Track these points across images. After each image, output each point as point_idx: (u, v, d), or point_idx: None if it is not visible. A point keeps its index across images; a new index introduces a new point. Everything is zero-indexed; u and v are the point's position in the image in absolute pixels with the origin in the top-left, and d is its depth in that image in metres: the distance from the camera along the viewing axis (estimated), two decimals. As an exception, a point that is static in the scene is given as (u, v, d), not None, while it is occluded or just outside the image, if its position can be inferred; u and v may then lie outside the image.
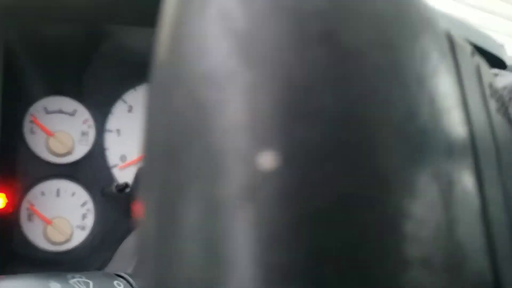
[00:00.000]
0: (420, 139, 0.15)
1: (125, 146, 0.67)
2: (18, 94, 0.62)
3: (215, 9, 0.14)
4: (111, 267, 0.60)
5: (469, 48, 0.20)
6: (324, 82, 0.13)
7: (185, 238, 0.14)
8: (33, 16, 0.54)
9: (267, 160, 0.13)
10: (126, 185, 0.62)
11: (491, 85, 0.21)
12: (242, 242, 0.13)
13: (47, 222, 0.61)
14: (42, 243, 0.61)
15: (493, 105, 0.21)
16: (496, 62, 0.66)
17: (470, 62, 0.20)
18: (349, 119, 0.14)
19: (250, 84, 0.13)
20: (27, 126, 0.62)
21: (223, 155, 0.14)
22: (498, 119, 0.21)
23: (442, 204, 0.15)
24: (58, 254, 0.61)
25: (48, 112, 0.64)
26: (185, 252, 0.14)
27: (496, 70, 0.31)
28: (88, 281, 0.34)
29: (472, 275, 0.16)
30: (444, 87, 0.17)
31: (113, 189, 0.63)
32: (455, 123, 0.17)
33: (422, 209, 0.15)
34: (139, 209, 0.16)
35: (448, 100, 0.17)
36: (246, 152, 0.13)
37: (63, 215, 0.62)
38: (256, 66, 0.13)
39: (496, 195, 0.18)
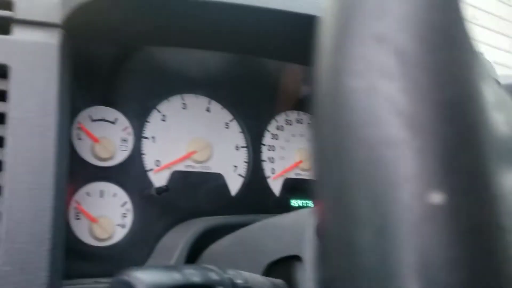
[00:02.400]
0: None
1: (159, 151, 0.74)
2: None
3: (383, 98, 0.22)
4: (152, 262, 0.67)
5: None
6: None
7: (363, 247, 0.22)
8: (88, 37, 0.60)
9: (433, 200, 0.20)
10: (165, 188, 0.69)
11: None
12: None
13: (93, 220, 0.67)
14: (88, 239, 0.67)
15: None
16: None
17: None
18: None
19: (416, 149, 0.21)
20: (75, 132, 0.68)
21: (392, 199, 0.21)
22: None
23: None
24: (102, 249, 0.67)
25: (93, 120, 0.70)
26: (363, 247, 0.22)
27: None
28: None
29: None
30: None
31: (153, 191, 0.69)
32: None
33: None
34: (320, 212, 0.24)
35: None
36: (413, 197, 0.21)
37: (106, 214, 0.68)
38: (419, 137, 0.21)
39: None
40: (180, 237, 0.66)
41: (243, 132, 0.81)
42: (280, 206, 0.81)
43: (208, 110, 0.79)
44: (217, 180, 0.77)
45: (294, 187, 0.83)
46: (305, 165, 0.84)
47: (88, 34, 0.57)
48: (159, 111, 0.75)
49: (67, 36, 0.53)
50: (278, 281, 0.45)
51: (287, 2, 0.58)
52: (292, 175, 0.84)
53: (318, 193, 0.24)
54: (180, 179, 0.74)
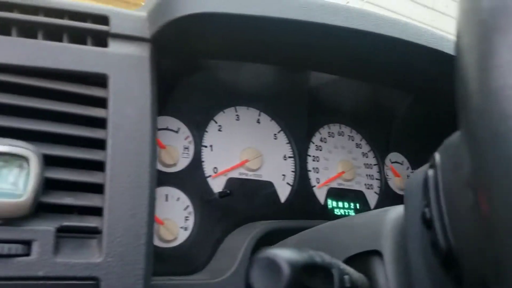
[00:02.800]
0: None
1: (216, 159, 0.78)
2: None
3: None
4: (215, 263, 0.71)
5: None
6: None
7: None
8: (173, 52, 0.65)
9: None
10: (228, 193, 0.73)
11: None
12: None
13: (160, 222, 0.71)
14: (155, 241, 0.71)
15: None
16: None
17: None
18: None
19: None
20: (142, 140, 0.73)
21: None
22: None
23: None
24: (167, 250, 0.72)
25: (158, 129, 0.75)
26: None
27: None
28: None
29: None
30: None
31: (216, 195, 0.74)
32: None
33: None
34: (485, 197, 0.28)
35: None
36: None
37: (170, 217, 0.73)
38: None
39: None
40: (242, 239, 0.70)
41: (290, 143, 0.86)
42: (325, 213, 0.86)
43: (258, 121, 0.84)
44: (268, 188, 0.82)
45: (338, 195, 0.88)
46: (347, 175, 0.89)
47: (174, 49, 0.62)
48: (216, 122, 0.80)
49: (154, 49, 0.58)
50: (358, 274, 0.49)
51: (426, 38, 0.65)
52: (335, 184, 0.88)
53: (482, 180, 0.29)
54: (235, 185, 0.79)
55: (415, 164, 0.98)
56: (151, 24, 0.58)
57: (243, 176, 0.80)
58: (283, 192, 0.83)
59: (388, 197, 0.92)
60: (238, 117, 0.82)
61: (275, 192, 0.82)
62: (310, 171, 0.87)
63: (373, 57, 0.72)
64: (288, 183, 0.84)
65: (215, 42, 0.62)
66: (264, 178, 0.82)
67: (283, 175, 0.84)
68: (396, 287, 0.46)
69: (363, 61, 0.74)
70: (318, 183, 0.87)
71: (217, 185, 0.77)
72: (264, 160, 0.82)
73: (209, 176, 0.77)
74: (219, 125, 0.80)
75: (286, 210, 0.82)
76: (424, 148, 0.94)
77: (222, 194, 0.73)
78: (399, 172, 0.95)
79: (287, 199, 0.83)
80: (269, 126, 0.85)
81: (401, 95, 0.93)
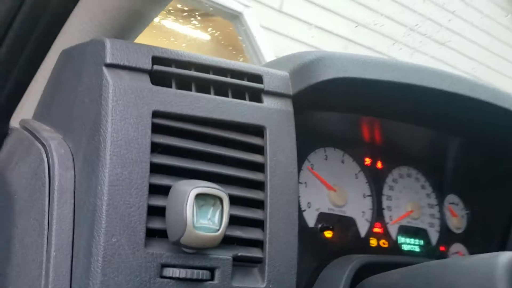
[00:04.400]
0: None
1: (309, 194, 0.88)
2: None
3: None
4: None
5: None
6: None
7: None
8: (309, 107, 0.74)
9: None
10: (330, 227, 0.83)
11: None
12: None
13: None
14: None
15: None
16: None
17: None
18: None
19: None
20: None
21: None
22: None
23: None
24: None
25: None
26: None
27: None
28: None
29: None
30: None
31: (318, 229, 0.83)
32: None
33: None
34: None
35: None
36: None
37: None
38: None
39: None
40: (341, 271, 0.79)
41: (368, 182, 0.95)
42: (395, 248, 0.95)
43: (342, 161, 0.93)
44: (350, 223, 0.91)
45: (407, 232, 0.97)
46: (415, 214, 0.99)
47: (309, 104, 0.72)
48: (309, 161, 0.89)
49: (294, 104, 0.67)
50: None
51: None
52: (404, 222, 0.98)
53: None
54: (325, 219, 0.88)
55: (469, 204, 1.08)
56: (294, 83, 0.68)
57: (331, 211, 0.89)
58: (363, 228, 0.92)
59: (447, 235, 1.02)
60: (326, 157, 0.92)
61: (357, 227, 0.91)
62: (384, 209, 0.96)
63: (458, 114, 0.83)
64: (366, 219, 0.93)
65: (343, 99, 0.72)
66: (348, 214, 0.91)
67: (363, 212, 0.93)
68: None
69: (449, 116, 0.84)
70: (390, 220, 0.96)
71: (310, 218, 0.86)
72: (348, 197, 0.92)
73: (304, 210, 0.86)
74: (312, 164, 0.89)
75: (365, 245, 0.91)
76: (479, 191, 1.05)
77: (323, 228, 0.82)
78: (456, 213, 1.05)
79: (366, 235, 0.92)
80: (351, 166, 0.94)
81: (452, 139, 1.04)
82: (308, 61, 0.68)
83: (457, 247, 1.02)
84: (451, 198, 1.06)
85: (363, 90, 0.70)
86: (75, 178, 0.54)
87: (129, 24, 0.66)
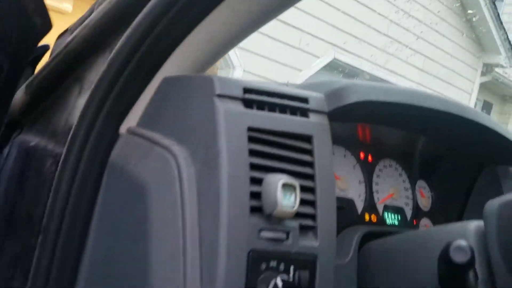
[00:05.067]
0: None
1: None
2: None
3: None
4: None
5: None
6: None
7: None
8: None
9: None
10: (343, 207, 1.11)
11: None
12: None
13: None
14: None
15: None
16: None
17: None
18: None
19: None
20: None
21: None
22: None
23: None
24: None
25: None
26: None
27: None
28: None
29: None
30: None
31: None
32: None
33: None
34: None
35: None
36: None
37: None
38: None
39: None
40: (350, 238, 1.08)
41: (362, 172, 1.25)
42: (381, 222, 1.26)
43: (344, 156, 1.22)
44: (351, 203, 1.20)
45: (389, 210, 1.28)
46: (395, 196, 1.29)
47: (339, 118, 0.99)
48: (322, 156, 1.17)
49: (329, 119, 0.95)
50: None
51: None
52: (388, 202, 1.28)
53: None
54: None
55: (433, 188, 1.39)
56: (329, 103, 0.95)
57: (337, 195, 1.18)
58: (359, 207, 1.22)
59: (418, 212, 1.34)
60: (333, 153, 1.20)
61: (355, 207, 1.21)
62: (373, 192, 1.26)
63: (431, 121, 1.14)
64: (361, 200, 1.23)
65: (367, 115, 1.00)
66: (349, 196, 1.20)
67: (359, 195, 1.23)
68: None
69: (425, 122, 1.15)
70: (378, 200, 1.26)
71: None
72: (348, 183, 1.21)
73: (320, 193, 1.14)
74: (324, 159, 1.17)
75: (361, 219, 1.21)
76: (441, 177, 1.37)
77: (338, 208, 1.11)
78: (425, 194, 1.37)
79: (362, 212, 1.22)
80: (350, 159, 1.23)
81: (421, 138, 1.35)
82: (339, 87, 0.95)
83: (425, 221, 1.34)
84: (421, 183, 1.38)
85: (378, 109, 0.99)
86: (196, 174, 0.79)
87: (212, 58, 0.91)
